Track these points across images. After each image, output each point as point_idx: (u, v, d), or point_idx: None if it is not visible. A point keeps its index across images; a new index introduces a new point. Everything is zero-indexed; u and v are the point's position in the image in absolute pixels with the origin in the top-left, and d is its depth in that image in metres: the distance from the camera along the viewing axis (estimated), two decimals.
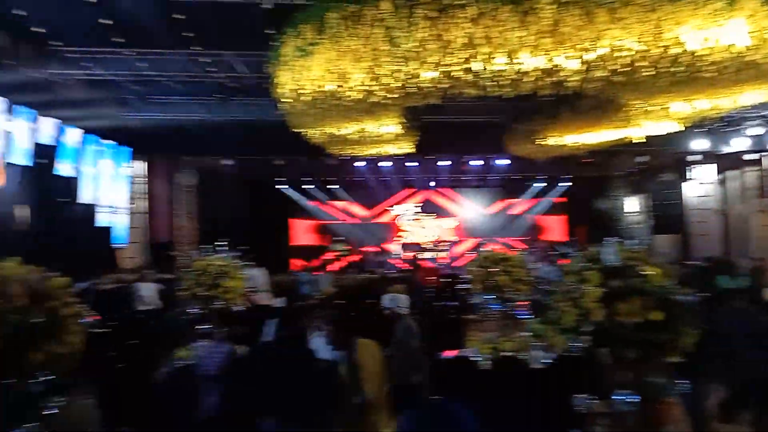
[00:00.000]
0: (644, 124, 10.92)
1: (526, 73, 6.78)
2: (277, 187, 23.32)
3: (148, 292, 12.59)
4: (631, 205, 24.16)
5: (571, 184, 23.65)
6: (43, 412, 2.98)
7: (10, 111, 11.18)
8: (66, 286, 3.07)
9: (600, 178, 23.78)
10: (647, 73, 6.70)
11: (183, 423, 5.67)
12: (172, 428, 5.83)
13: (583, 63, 6.55)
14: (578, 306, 3.42)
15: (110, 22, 9.50)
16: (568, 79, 6.98)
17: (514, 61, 6.52)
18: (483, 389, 6.51)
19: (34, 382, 2.90)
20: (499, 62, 6.50)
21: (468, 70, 6.66)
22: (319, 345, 5.88)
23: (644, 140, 12.26)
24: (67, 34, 11.00)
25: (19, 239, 11.48)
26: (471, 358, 7.03)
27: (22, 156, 11.64)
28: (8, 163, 11.32)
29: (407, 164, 21.51)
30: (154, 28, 10.47)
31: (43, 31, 10.42)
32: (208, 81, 12.88)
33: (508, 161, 20.85)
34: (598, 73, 6.71)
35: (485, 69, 6.60)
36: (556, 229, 24.31)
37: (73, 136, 13.58)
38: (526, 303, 9.46)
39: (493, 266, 7.50)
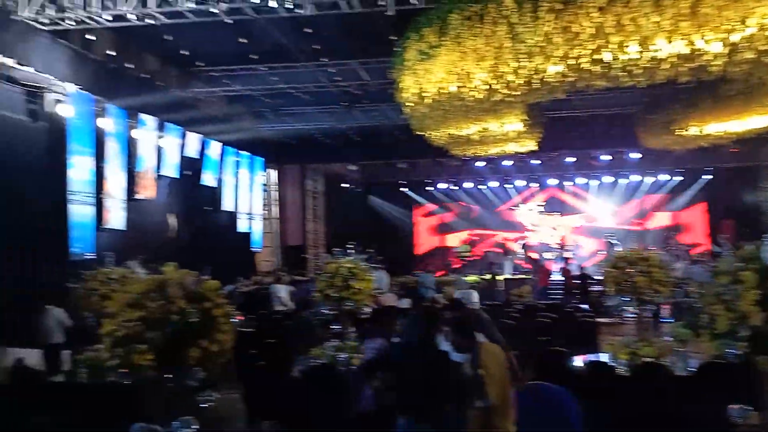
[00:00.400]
0: None
1: (662, 60, 6.33)
2: (400, 189, 23.59)
3: (283, 293, 13.27)
4: None
5: (712, 177, 21.71)
6: (197, 405, 3.21)
7: (161, 128, 12.26)
8: (217, 288, 3.30)
9: (746, 169, 21.63)
10: None
11: (326, 418, 5.87)
12: (313, 423, 6.07)
13: (727, 45, 6.00)
14: (733, 309, 3.16)
15: (246, 41, 10.12)
16: (710, 64, 6.41)
17: (649, 48, 6.10)
18: (620, 396, 6.15)
19: (190, 377, 3.11)
20: (632, 51, 6.11)
21: (597, 61, 6.33)
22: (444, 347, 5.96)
23: None
24: (209, 54, 11.92)
25: (171, 246, 12.56)
26: (607, 364, 6.68)
27: (171, 169, 12.72)
28: (159, 176, 12.43)
29: (531, 162, 20.93)
30: (285, 44, 11.06)
31: (188, 53, 11.35)
32: (335, 90, 13.33)
33: (639, 155, 19.62)
34: (745, 55, 6.10)
35: (616, 59, 6.24)
36: (697, 226, 22.47)
37: (215, 149, 14.64)
38: (666, 305, 8.88)
39: (630, 267, 7.07)
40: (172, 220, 13.43)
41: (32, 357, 8.44)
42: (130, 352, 2.96)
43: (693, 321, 3.82)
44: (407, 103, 8.32)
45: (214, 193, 15.14)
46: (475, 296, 11.01)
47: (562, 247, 21.32)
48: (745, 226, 19.42)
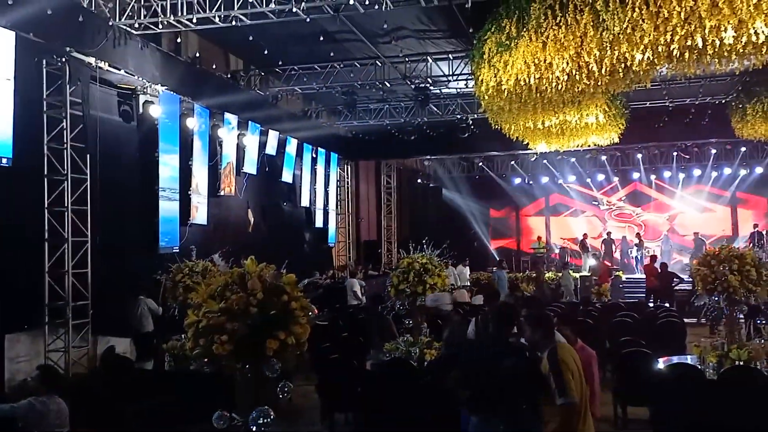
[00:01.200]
0: None
1: (760, 44, 5.86)
2: (476, 183, 23.20)
3: (357, 287, 13.39)
4: None
5: None
6: (276, 395, 3.23)
7: (242, 127, 12.62)
8: (294, 282, 3.31)
9: None
10: None
11: (398, 411, 5.85)
12: (385, 416, 6.06)
13: None
14: None
15: (322, 38, 10.22)
16: None
17: (747, 32, 5.66)
18: (709, 401, 5.77)
19: (268, 368, 3.14)
20: (728, 35, 5.69)
21: (689, 48, 5.94)
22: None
23: None
24: (289, 54, 12.15)
25: (251, 240, 12.93)
26: (696, 367, 6.30)
27: (252, 166, 13.07)
28: (240, 173, 12.80)
29: (612, 154, 20.13)
30: (360, 40, 11.10)
31: (268, 53, 11.61)
32: (409, 85, 13.26)
33: (729, 146, 18.48)
34: None
35: (710, 44, 5.82)
36: None
37: (293, 146, 14.92)
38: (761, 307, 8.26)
39: (722, 265, 6.61)
40: (252, 216, 13.81)
41: (123, 345, 8.93)
42: (212, 342, 3.02)
43: None
44: (485, 97, 8.14)
45: (292, 189, 15.45)
46: (447, 298, 10.78)
47: (640, 243, 20.36)
48: None
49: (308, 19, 8.55)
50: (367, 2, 8.17)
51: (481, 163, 21.88)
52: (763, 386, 5.79)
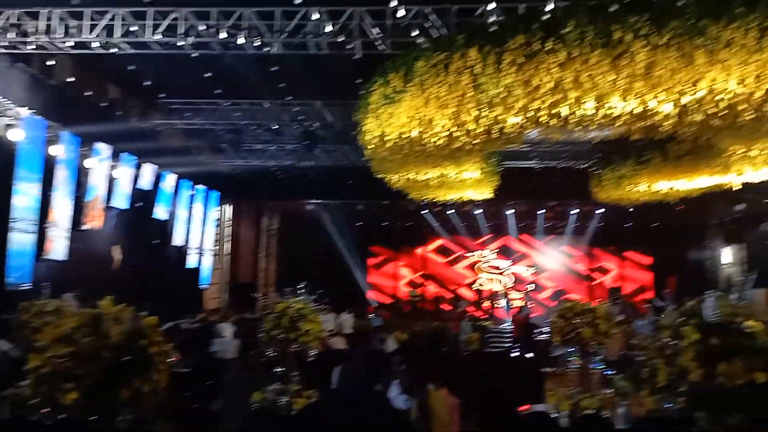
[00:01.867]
0: (744, 171, 10.22)
1: (616, 117, 6.51)
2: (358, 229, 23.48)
3: (228, 332, 12.81)
4: (727, 256, 22.59)
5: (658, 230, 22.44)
6: None
7: (115, 158, 11.91)
8: (155, 324, 3.09)
9: (693, 227, 22.46)
10: (748, 117, 6.26)
11: None
12: None
13: (677, 106, 6.21)
14: (673, 364, 3.16)
15: (210, 74, 10.03)
16: (662, 123, 6.63)
17: (605, 105, 6.27)
18: None
19: (121, 420, 2.88)
20: (588, 107, 6.26)
21: (555, 115, 6.46)
22: (396, 392, 5.82)
23: (742, 187, 11.48)
24: (172, 87, 11.75)
25: (115, 279, 12.05)
26: (550, 414, 6.60)
27: (122, 199, 12.31)
28: (109, 206, 12.00)
29: (484, 210, 21.23)
30: (249, 80, 10.99)
31: (150, 84, 11.16)
32: (297, 129, 13.27)
33: (596, 209, 20.23)
34: (695, 117, 6.33)
35: (573, 114, 6.37)
36: (642, 280, 23.10)
37: (170, 181, 14.29)
38: (611, 358, 8.91)
39: (576, 317, 7.05)
40: (118, 253, 12.92)
41: None
42: (55, 389, 2.72)
43: (635, 374, 3.85)
44: (369, 146, 8.30)
45: (165, 227, 14.70)
46: (340, 343, 10.94)
47: (506, 295, 21.53)
48: (689, 282, 20.08)
49: (194, 54, 8.36)
50: (256, 44, 8.15)
51: (364, 209, 22.11)
52: None
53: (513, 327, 16.34)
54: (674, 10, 5.70)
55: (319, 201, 20.14)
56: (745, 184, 11.27)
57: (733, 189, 11.34)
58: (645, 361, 3.46)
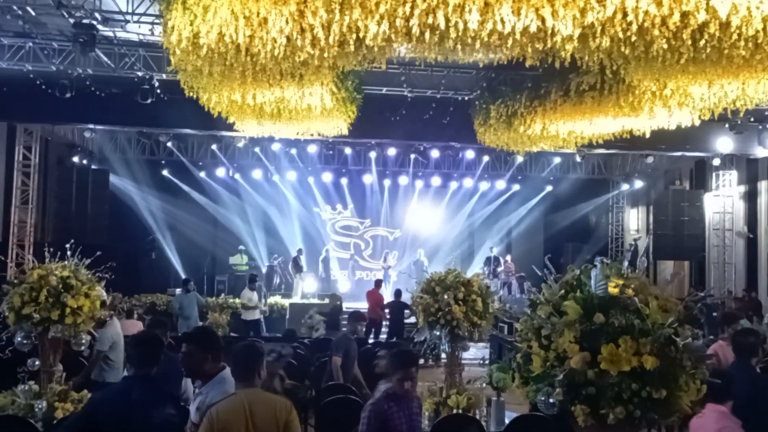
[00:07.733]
0: (654, 115, 11.21)
1: (507, 35, 6.82)
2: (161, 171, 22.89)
3: None
4: (631, 219, 24.94)
5: (551, 188, 24.23)
6: None
7: None
8: None
9: (595, 182, 24.51)
10: (662, 45, 6.86)
11: None
12: None
13: (580, 26, 6.64)
14: (550, 348, 3.38)
15: None
16: (560, 47, 7.07)
17: (492, 18, 6.54)
18: None
19: None
20: (472, 18, 6.51)
21: (430, 26, 6.64)
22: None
23: (651, 136, 12.60)
24: None
25: None
26: None
27: None
28: None
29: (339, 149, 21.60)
30: None
31: None
32: (67, 18, 12.41)
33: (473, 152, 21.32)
34: (601, 42, 6.82)
35: (452, 25, 6.60)
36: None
37: None
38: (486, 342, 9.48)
39: (445, 292, 7.32)
40: None
41: None
42: None
43: (508, 362, 4.03)
44: (176, 51, 8.01)
45: None
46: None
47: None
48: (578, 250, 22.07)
49: None
50: None
51: (169, 143, 21.43)
52: None
53: (368, 306, 16.98)
54: None
55: (103, 126, 19.16)
56: (655, 132, 12.43)
57: (645, 136, 12.46)
58: (518, 344, 3.63)
